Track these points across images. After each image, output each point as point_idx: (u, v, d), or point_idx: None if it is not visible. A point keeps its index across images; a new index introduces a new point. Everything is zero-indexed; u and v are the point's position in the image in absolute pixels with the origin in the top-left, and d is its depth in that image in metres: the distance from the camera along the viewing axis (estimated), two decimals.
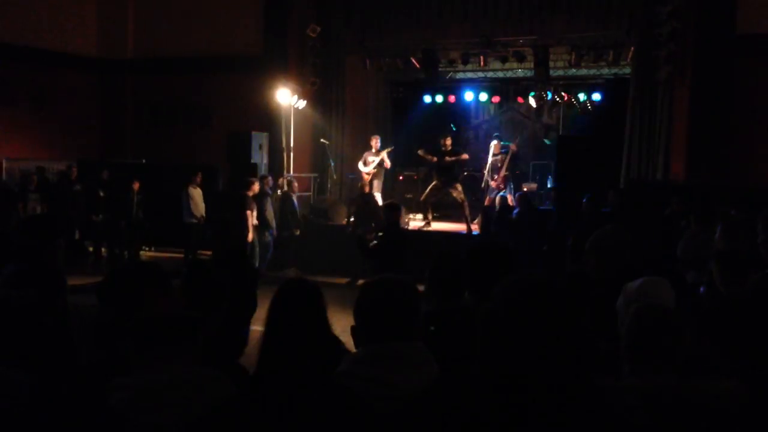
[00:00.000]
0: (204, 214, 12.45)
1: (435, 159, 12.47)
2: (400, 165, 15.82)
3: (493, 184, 13.51)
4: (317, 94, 14.80)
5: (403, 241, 7.72)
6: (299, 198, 13.15)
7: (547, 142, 17.11)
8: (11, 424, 2.06)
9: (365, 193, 12.45)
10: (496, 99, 16.82)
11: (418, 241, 11.95)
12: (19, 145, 15.01)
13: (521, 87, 16.29)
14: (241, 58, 15.20)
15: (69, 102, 16.14)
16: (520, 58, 14.08)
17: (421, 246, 11.51)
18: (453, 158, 12.49)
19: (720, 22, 11.65)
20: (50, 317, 3.01)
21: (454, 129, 17.60)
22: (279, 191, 12.88)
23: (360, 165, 13.64)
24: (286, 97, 13.85)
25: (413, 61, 14.95)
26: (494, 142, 14.04)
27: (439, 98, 17.06)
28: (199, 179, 12.62)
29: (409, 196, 15.60)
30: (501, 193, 12.99)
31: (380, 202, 13.62)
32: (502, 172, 13.46)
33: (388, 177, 14.95)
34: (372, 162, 13.42)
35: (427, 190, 12.85)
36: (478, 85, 16.66)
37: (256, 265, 10.74)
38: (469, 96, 16.68)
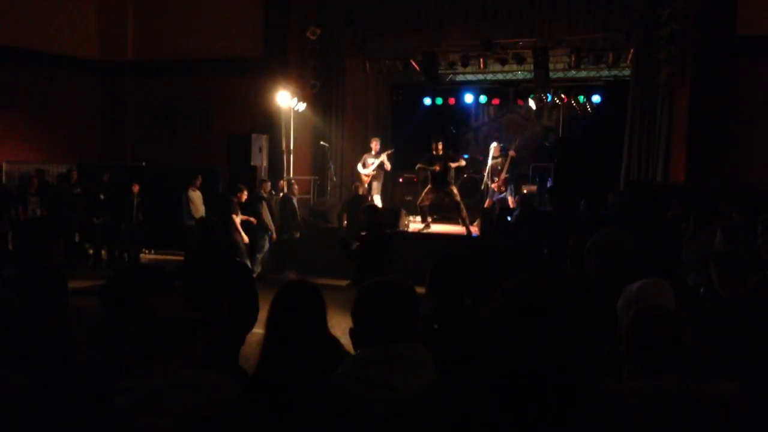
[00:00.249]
0: (204, 217, 12.46)
1: (438, 167, 12.38)
2: (399, 167, 15.81)
3: (493, 186, 13.52)
4: (317, 97, 14.81)
5: (385, 243, 7.70)
6: (299, 200, 13.15)
7: (546, 144, 17.11)
8: (13, 427, 2.07)
9: (358, 195, 12.45)
10: (495, 101, 16.83)
11: (418, 244, 12.01)
12: (19, 148, 15.01)
13: (521, 89, 16.30)
14: (241, 61, 15.21)
15: (69, 105, 16.14)
16: (520, 61, 14.09)
17: (421, 248, 11.60)
18: (442, 164, 12.36)
19: (720, 23, 11.66)
20: (51, 320, 3.01)
21: (453, 131, 17.63)
22: (280, 193, 12.88)
23: (359, 167, 13.65)
24: (286, 100, 13.86)
25: (413, 63, 14.96)
26: (494, 145, 14.05)
27: (439, 101, 17.07)
28: (199, 182, 12.63)
29: (408, 198, 15.60)
30: (501, 196, 13.00)
31: (380, 204, 13.65)
32: (503, 175, 13.47)
33: (388, 179, 14.96)
34: (371, 164, 13.43)
35: (422, 193, 12.85)
36: (477, 87, 16.67)
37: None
38: (468, 98, 16.69)
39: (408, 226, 13.04)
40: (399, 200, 15.54)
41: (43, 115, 15.56)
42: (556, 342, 1.53)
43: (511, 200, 13.04)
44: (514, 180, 13.99)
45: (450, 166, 12.51)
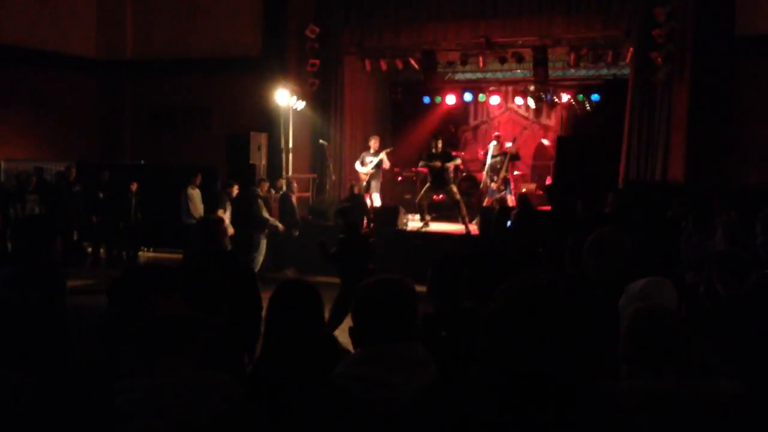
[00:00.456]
0: (203, 215, 12.46)
1: (437, 165, 12.36)
2: (398, 166, 15.82)
3: (493, 185, 13.52)
4: (316, 95, 14.79)
5: (363, 245, 7.70)
6: (298, 199, 13.14)
7: (545, 142, 17.10)
8: (12, 426, 2.06)
9: (354, 194, 12.45)
10: (494, 100, 16.81)
11: (417, 243, 12.02)
12: (17, 146, 15.00)
13: (520, 88, 16.28)
14: (240, 59, 15.19)
15: (68, 103, 16.12)
16: (519, 59, 14.08)
17: (420, 247, 11.61)
18: (441, 162, 12.37)
19: (719, 22, 11.65)
20: (49, 319, 3.01)
21: (452, 130, 17.61)
22: (279, 192, 12.88)
23: (357, 165, 13.65)
24: (285, 98, 13.85)
25: (412, 61, 14.95)
26: (493, 143, 14.04)
27: (438, 99, 17.06)
28: (198, 180, 12.62)
29: (407, 196, 15.61)
30: (500, 194, 13.00)
31: (379, 203, 13.66)
32: (502, 174, 13.47)
33: (387, 178, 14.96)
34: (370, 162, 13.42)
35: (422, 191, 12.85)
36: (477, 85, 16.65)
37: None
38: (467, 97, 16.67)
39: (407, 225, 13.04)
40: (398, 198, 15.54)
41: (42, 113, 15.54)
42: (556, 342, 1.53)
43: (510, 199, 13.04)
44: (513, 179, 13.99)
45: (448, 159, 12.52)
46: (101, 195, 13.08)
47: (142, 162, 15.41)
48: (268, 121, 14.43)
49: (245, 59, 15.12)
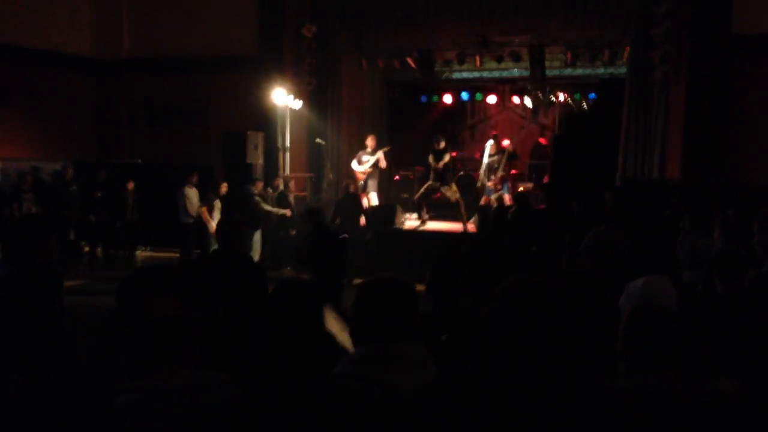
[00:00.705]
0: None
1: (440, 165, 12.39)
2: (396, 165, 15.82)
3: (489, 184, 13.52)
4: (313, 94, 14.78)
5: (333, 246, 7.68)
6: (295, 198, 13.13)
7: (542, 141, 17.12)
8: (9, 426, 2.05)
9: (350, 193, 12.46)
10: (491, 99, 16.82)
11: (414, 242, 12.02)
12: (13, 145, 14.96)
13: (517, 87, 16.29)
14: (237, 58, 15.17)
15: (64, 101, 16.08)
16: (516, 58, 14.09)
17: (417, 245, 11.60)
18: (443, 163, 12.40)
19: (715, 21, 11.66)
20: (46, 318, 3.00)
21: (450, 129, 17.61)
22: (277, 191, 12.87)
23: (353, 164, 13.64)
24: (282, 97, 13.84)
25: (409, 61, 14.95)
26: (490, 142, 14.05)
27: (435, 98, 17.06)
28: (195, 179, 12.61)
29: (405, 195, 15.62)
30: (497, 193, 12.99)
31: (376, 202, 13.65)
32: (499, 173, 13.47)
33: (384, 177, 14.95)
34: (367, 161, 13.42)
35: (422, 189, 12.85)
36: (474, 85, 16.65)
37: None
38: (464, 96, 16.67)
39: (404, 224, 13.04)
40: (395, 198, 15.55)
41: (38, 112, 15.50)
42: (554, 341, 1.53)
43: (507, 198, 13.04)
44: (511, 177, 13.99)
45: (445, 151, 12.52)
46: (98, 194, 13.05)
47: (139, 161, 15.38)
48: (265, 120, 14.41)
49: (242, 58, 15.10)
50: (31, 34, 15.13)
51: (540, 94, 15.83)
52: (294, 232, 12.48)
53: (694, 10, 11.79)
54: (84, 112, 16.65)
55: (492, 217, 11.14)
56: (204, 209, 11.22)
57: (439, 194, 12.92)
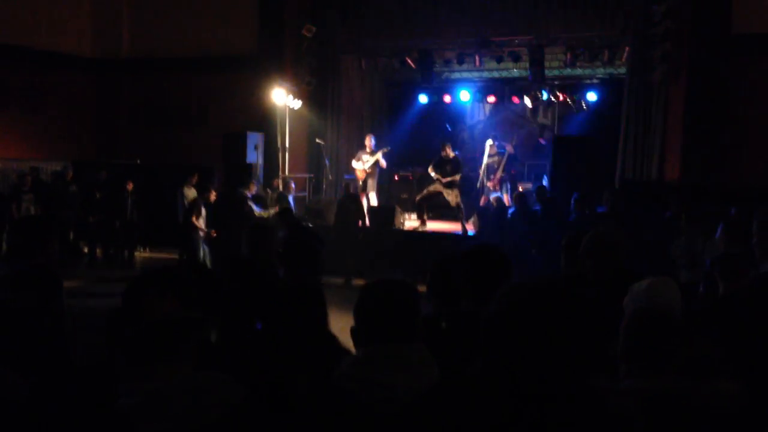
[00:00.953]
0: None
1: (447, 170, 12.39)
2: (395, 165, 15.82)
3: (489, 185, 13.53)
4: (313, 94, 14.78)
5: (305, 245, 7.65)
6: (295, 198, 13.13)
7: (542, 142, 17.12)
8: (8, 426, 2.05)
9: (350, 193, 12.46)
10: (491, 99, 16.82)
11: (413, 242, 12.02)
12: (13, 146, 14.96)
13: (517, 87, 16.29)
14: (237, 58, 15.17)
15: (64, 102, 16.09)
16: (516, 58, 14.10)
17: (416, 246, 11.61)
18: (452, 168, 12.43)
19: (715, 21, 11.67)
20: (46, 319, 3.00)
21: (449, 129, 17.61)
22: (276, 191, 12.87)
23: (353, 162, 13.65)
24: (281, 97, 13.84)
25: (409, 61, 14.95)
26: (489, 143, 14.05)
27: (435, 98, 17.06)
28: (195, 180, 12.61)
29: (404, 196, 15.61)
30: (496, 194, 13.00)
31: (375, 202, 13.66)
32: (498, 173, 13.48)
33: (384, 177, 14.96)
34: (367, 161, 13.43)
35: (425, 191, 12.84)
36: (473, 85, 16.66)
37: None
38: (464, 96, 16.68)
39: (403, 224, 13.05)
40: (394, 198, 15.55)
41: (38, 112, 15.51)
42: (556, 342, 1.53)
43: (506, 198, 13.05)
44: (510, 178, 14.00)
45: (458, 168, 12.50)
46: (97, 194, 13.05)
47: (138, 161, 15.39)
48: (264, 120, 14.41)
49: (242, 58, 15.10)
50: (31, 35, 15.13)
51: (539, 95, 15.83)
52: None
53: (694, 10, 11.79)
54: (83, 112, 16.66)
55: (491, 218, 11.15)
56: (194, 216, 11.23)
57: (443, 194, 12.92)
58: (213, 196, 11.36)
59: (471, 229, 12.34)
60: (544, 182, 14.15)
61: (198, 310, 2.52)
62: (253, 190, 12.17)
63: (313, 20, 14.47)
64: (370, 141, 13.67)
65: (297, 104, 14.13)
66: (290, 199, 12.63)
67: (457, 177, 12.45)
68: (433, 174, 12.60)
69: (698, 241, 6.69)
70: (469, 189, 14.56)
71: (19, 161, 14.46)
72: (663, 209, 9.14)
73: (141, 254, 14.02)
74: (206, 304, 2.80)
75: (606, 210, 9.85)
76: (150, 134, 16.46)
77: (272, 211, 11.94)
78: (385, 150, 13.59)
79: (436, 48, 14.44)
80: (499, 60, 14.31)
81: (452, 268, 3.27)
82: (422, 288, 2.79)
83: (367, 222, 12.43)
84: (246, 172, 13.15)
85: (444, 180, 12.36)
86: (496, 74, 16.15)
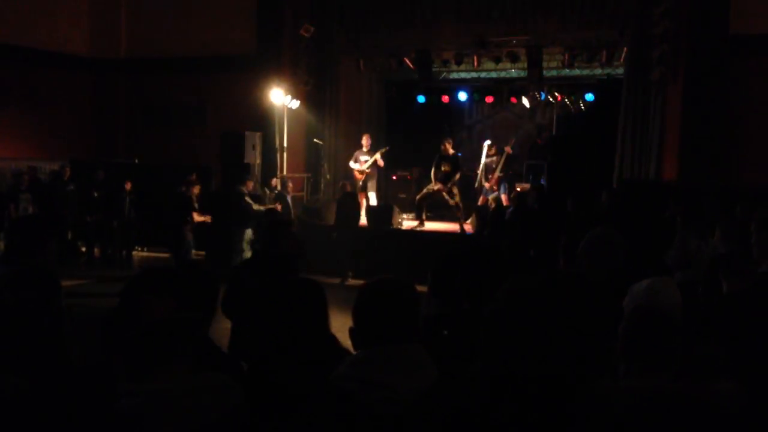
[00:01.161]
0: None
1: (447, 168, 12.38)
2: (393, 165, 15.81)
3: (487, 185, 13.53)
4: (311, 94, 14.77)
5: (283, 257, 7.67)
6: (293, 198, 13.13)
7: (540, 142, 17.13)
8: (6, 427, 2.05)
9: (347, 193, 12.45)
10: (489, 99, 16.82)
11: (411, 242, 12.02)
12: (11, 145, 14.94)
13: (515, 87, 16.30)
14: (235, 58, 15.16)
15: (62, 101, 16.07)
16: (514, 59, 14.10)
17: (414, 246, 11.60)
18: (451, 166, 12.41)
19: (713, 22, 11.68)
20: (45, 319, 3.00)
21: (447, 129, 17.61)
22: (274, 191, 12.86)
23: (351, 163, 13.66)
24: (279, 97, 13.83)
25: (407, 61, 14.95)
26: (488, 143, 14.06)
27: (433, 98, 17.06)
28: (193, 179, 12.58)
29: (402, 195, 15.61)
30: (494, 194, 13.00)
31: (374, 202, 13.67)
32: (496, 173, 13.48)
33: (382, 177, 14.96)
34: (364, 162, 13.43)
35: (424, 190, 12.84)
36: (471, 85, 16.66)
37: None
38: (462, 96, 16.69)
39: (401, 224, 13.04)
40: (392, 198, 15.54)
41: (36, 111, 15.49)
42: (556, 342, 1.54)
43: (504, 198, 13.05)
44: (508, 178, 14.00)
45: (457, 166, 12.50)
46: (95, 194, 13.04)
47: (136, 161, 15.37)
48: (262, 119, 14.40)
49: (240, 58, 15.09)
50: (29, 34, 15.12)
51: (537, 95, 15.83)
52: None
53: (692, 11, 11.80)
54: (82, 111, 16.64)
55: (490, 218, 11.14)
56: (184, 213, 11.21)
57: (442, 194, 12.92)
58: (197, 191, 11.40)
59: (469, 230, 12.34)
60: (542, 182, 14.16)
61: (195, 309, 2.52)
62: (250, 187, 12.18)
63: (311, 20, 14.47)
64: (367, 141, 13.68)
65: (295, 104, 14.12)
66: (288, 199, 12.64)
67: (456, 176, 12.45)
68: (433, 183, 12.59)
69: (691, 242, 6.69)
70: (468, 189, 14.57)
71: (17, 160, 14.43)
72: (661, 209, 9.14)
73: (139, 254, 14.01)
74: (203, 303, 2.80)
75: (604, 210, 9.85)
76: (148, 134, 16.44)
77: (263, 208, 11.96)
78: (384, 150, 13.60)
79: (434, 48, 14.43)
80: (497, 60, 14.31)
81: (452, 269, 3.27)
82: (421, 288, 2.79)
83: (362, 221, 12.46)
84: (245, 170, 13.14)
85: (444, 187, 12.37)
86: (494, 74, 16.15)
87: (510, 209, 10.94)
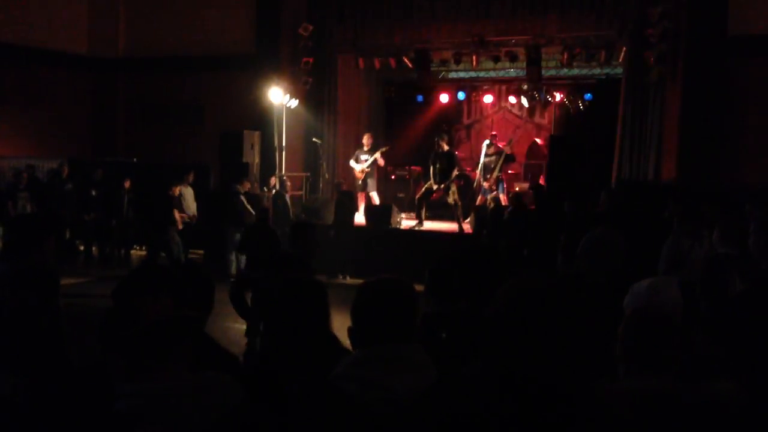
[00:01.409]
0: (195, 213, 12.45)
1: (442, 165, 12.41)
2: (392, 164, 15.81)
3: (485, 184, 13.53)
4: (309, 93, 14.76)
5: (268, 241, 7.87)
6: (291, 197, 13.12)
7: (538, 141, 17.13)
8: (5, 426, 2.05)
9: (342, 191, 12.46)
10: (488, 99, 16.83)
11: (410, 242, 12.01)
12: (9, 143, 14.93)
13: (513, 87, 16.30)
14: (234, 57, 15.16)
15: (60, 100, 16.05)
16: (513, 58, 14.09)
17: (413, 246, 11.60)
18: (445, 162, 12.43)
19: (711, 22, 11.69)
20: (43, 318, 2.99)
21: (446, 128, 17.61)
22: (272, 190, 12.86)
23: (351, 162, 13.66)
24: (278, 96, 13.82)
25: (406, 60, 14.94)
26: (486, 142, 14.06)
27: (432, 98, 17.06)
28: (191, 178, 12.59)
29: (401, 195, 15.61)
30: (493, 193, 13.00)
31: (377, 200, 13.67)
32: (495, 173, 13.49)
33: (381, 176, 14.96)
34: (365, 161, 13.43)
35: (423, 189, 12.85)
36: (470, 84, 16.66)
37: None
38: (461, 95, 16.68)
39: (400, 223, 13.04)
40: (391, 197, 15.54)
41: (34, 110, 15.47)
42: (556, 343, 1.53)
43: (503, 198, 13.06)
44: (507, 178, 14.01)
45: (453, 163, 12.51)
46: (93, 193, 13.02)
47: (135, 160, 15.36)
48: (261, 119, 14.39)
49: (238, 57, 15.08)
50: (28, 33, 15.10)
51: (536, 94, 15.83)
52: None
53: (690, 11, 11.81)
54: (80, 110, 16.63)
55: (489, 218, 11.14)
56: (175, 210, 11.32)
57: (437, 195, 12.94)
58: (177, 191, 11.53)
59: (468, 230, 12.35)
60: (541, 182, 14.17)
61: (192, 308, 2.52)
62: (246, 187, 12.19)
63: (310, 19, 14.47)
64: (368, 140, 13.68)
65: (294, 103, 14.11)
66: (287, 198, 12.63)
67: (453, 173, 12.43)
68: (431, 180, 12.60)
69: (684, 242, 6.68)
70: (466, 188, 14.57)
71: (15, 159, 14.41)
72: (659, 210, 9.14)
73: (137, 253, 13.99)
74: (199, 301, 2.79)
75: (602, 210, 9.84)
76: (147, 133, 16.44)
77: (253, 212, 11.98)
78: (385, 149, 13.60)
79: (433, 47, 14.42)
80: (496, 60, 14.30)
81: (450, 268, 3.27)
82: (420, 288, 2.79)
83: (359, 220, 12.47)
84: (242, 170, 13.16)
85: (438, 184, 12.40)
86: (493, 74, 16.15)
87: (508, 209, 10.95)
